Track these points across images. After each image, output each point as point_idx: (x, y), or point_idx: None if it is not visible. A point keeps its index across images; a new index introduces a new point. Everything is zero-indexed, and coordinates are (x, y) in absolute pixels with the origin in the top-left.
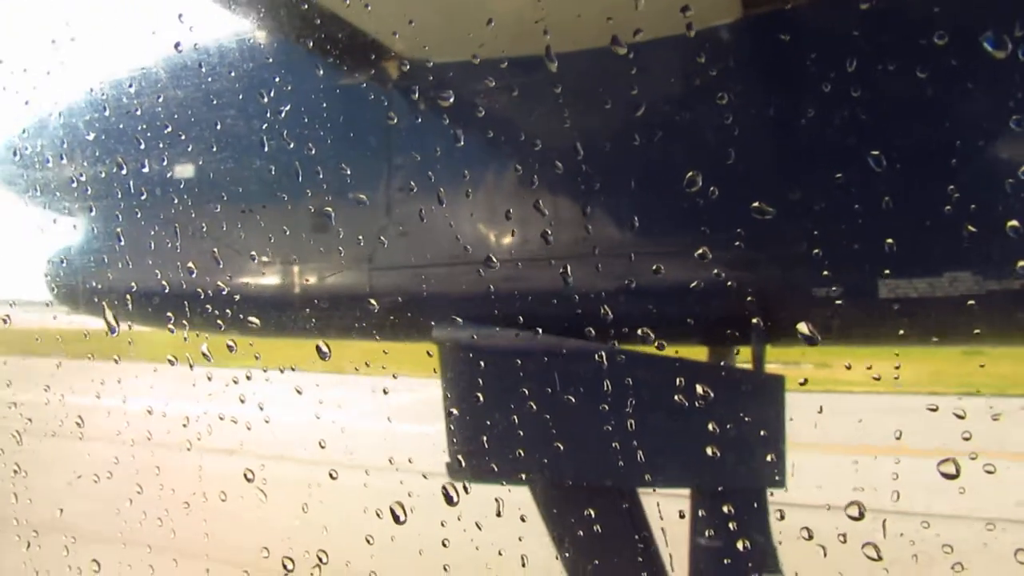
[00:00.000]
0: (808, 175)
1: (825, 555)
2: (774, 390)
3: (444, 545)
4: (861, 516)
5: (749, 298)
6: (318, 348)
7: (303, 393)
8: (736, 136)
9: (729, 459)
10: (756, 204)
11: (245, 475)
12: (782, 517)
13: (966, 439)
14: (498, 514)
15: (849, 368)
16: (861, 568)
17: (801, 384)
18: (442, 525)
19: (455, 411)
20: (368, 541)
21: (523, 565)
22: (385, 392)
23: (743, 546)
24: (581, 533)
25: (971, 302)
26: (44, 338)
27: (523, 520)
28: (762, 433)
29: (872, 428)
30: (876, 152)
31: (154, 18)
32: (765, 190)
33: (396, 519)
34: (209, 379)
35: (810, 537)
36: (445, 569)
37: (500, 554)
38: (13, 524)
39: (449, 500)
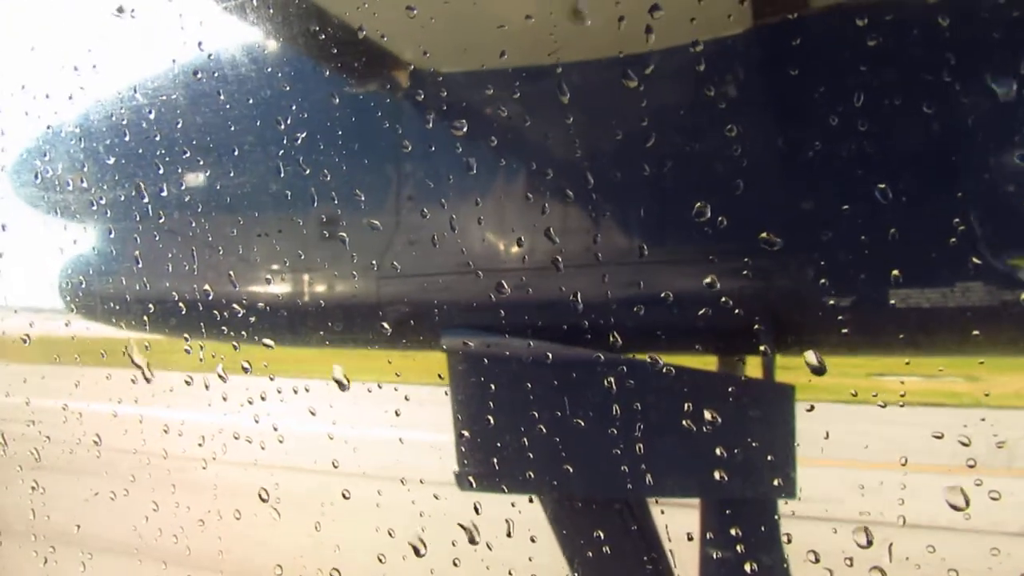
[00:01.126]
0: (818, 183)
1: None
2: (784, 399)
3: (455, 564)
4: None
5: (759, 306)
6: (336, 380)
7: (316, 414)
8: (744, 142)
9: (739, 469)
10: (764, 235)
11: (260, 495)
12: (789, 541)
13: None
14: (508, 535)
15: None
16: None
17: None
18: (453, 545)
19: (463, 420)
20: (380, 560)
21: None
22: (397, 414)
23: (754, 557)
24: (591, 553)
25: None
26: (62, 356)
27: (533, 541)
28: (773, 443)
29: None
30: (887, 157)
31: (174, 46)
32: (773, 195)
33: (416, 552)
34: (224, 399)
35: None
36: None
37: (510, 574)
38: (31, 540)
39: (472, 540)
